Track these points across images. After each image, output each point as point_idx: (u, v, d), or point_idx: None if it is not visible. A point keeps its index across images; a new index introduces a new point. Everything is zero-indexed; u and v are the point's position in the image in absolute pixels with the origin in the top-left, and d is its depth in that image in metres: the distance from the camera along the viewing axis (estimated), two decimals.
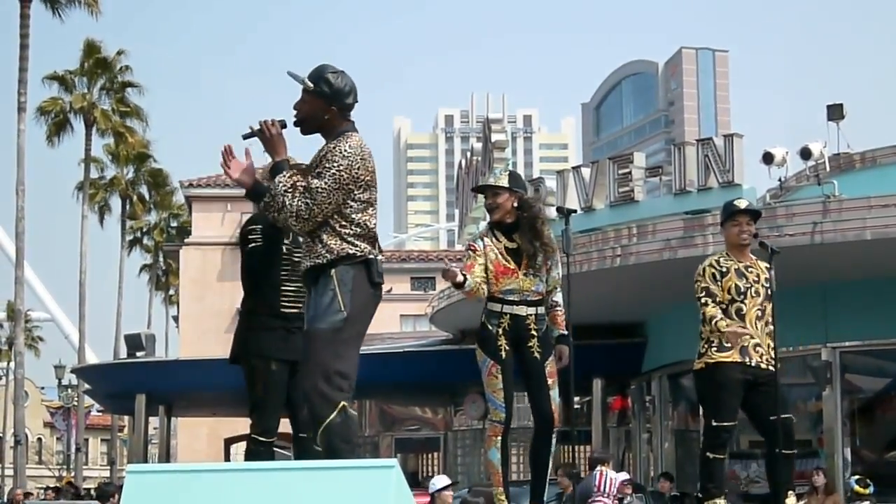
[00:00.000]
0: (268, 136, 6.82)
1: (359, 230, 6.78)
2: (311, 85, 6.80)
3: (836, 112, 22.72)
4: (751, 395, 9.07)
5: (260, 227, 8.27)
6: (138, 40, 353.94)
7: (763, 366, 9.08)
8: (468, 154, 36.02)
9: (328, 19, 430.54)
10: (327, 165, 6.68)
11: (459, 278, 8.46)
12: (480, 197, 34.32)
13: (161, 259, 65.65)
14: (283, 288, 8.26)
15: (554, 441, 8.75)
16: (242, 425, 45.05)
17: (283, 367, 8.18)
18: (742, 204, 9.45)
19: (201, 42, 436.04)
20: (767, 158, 21.93)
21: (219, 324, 47.61)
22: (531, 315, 8.70)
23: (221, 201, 49.59)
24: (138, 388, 30.83)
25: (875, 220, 18.50)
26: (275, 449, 8.45)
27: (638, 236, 20.75)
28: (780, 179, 22.53)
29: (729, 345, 9.06)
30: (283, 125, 6.88)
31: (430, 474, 32.86)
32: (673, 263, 19.73)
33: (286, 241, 8.27)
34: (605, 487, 14.04)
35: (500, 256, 8.80)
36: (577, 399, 27.35)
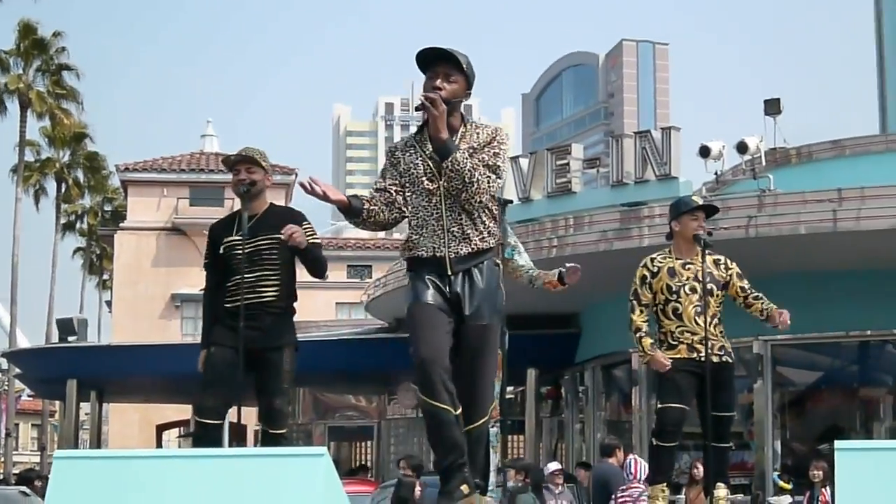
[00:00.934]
0: (438, 111, 6.54)
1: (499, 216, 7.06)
2: (464, 65, 6.67)
3: (772, 107, 22.85)
4: (701, 387, 9.13)
5: (209, 240, 8.45)
6: (76, 24, 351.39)
7: (714, 360, 9.14)
8: None
9: (268, 4, 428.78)
10: (503, 146, 6.69)
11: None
12: None
13: (95, 243, 65.16)
14: (227, 285, 8.32)
15: (493, 434, 8.87)
16: (175, 412, 45.05)
17: (224, 350, 8.16)
18: (700, 200, 9.59)
19: (139, 27, 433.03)
20: (704, 152, 22.06)
21: (152, 309, 47.37)
22: None
23: (157, 186, 49.31)
24: (70, 373, 30.55)
25: (809, 214, 18.63)
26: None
27: (575, 227, 20.80)
28: (716, 173, 22.67)
29: (675, 342, 9.16)
30: None
31: (362, 463, 32.86)
32: (609, 255, 19.79)
33: (230, 240, 8.32)
34: (640, 474, 14.07)
35: None
36: (510, 389, 27.42)
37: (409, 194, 6.75)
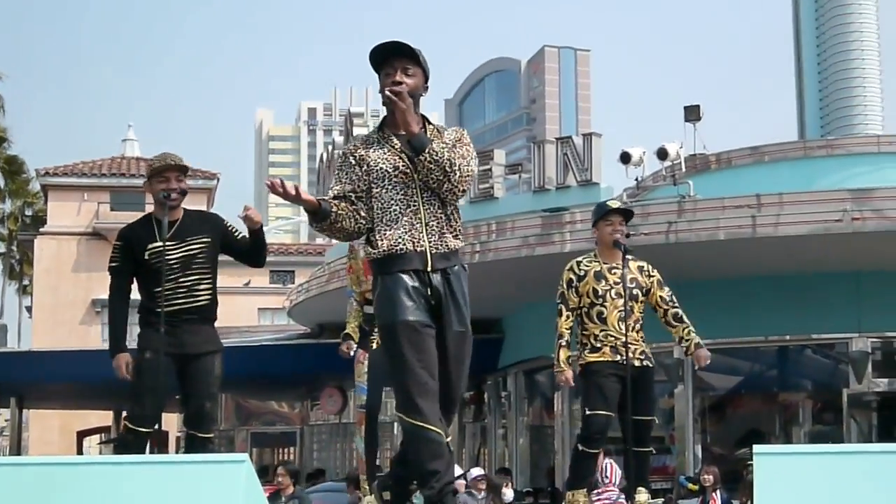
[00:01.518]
0: (406, 104, 6.27)
1: None
2: (422, 59, 6.41)
3: (692, 113, 23.00)
4: (623, 392, 9.20)
5: (121, 244, 8.35)
6: None
7: (636, 364, 9.21)
8: (330, 147, 35.95)
9: (190, 6, 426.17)
10: (470, 148, 6.46)
11: None
12: None
13: (15, 248, 64.46)
14: (156, 290, 8.25)
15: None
16: (96, 418, 44.61)
17: (159, 357, 8.13)
18: (615, 204, 9.63)
19: (59, 27, 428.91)
20: (625, 158, 22.16)
21: (73, 315, 46.93)
22: None
23: (78, 191, 48.84)
24: None
25: (728, 220, 18.79)
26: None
27: (497, 233, 20.85)
28: (636, 179, 22.78)
29: (599, 345, 9.23)
30: None
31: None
32: (531, 260, 19.87)
33: (156, 246, 8.27)
34: (615, 478, 14.14)
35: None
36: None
37: (377, 191, 6.40)
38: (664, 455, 21.58)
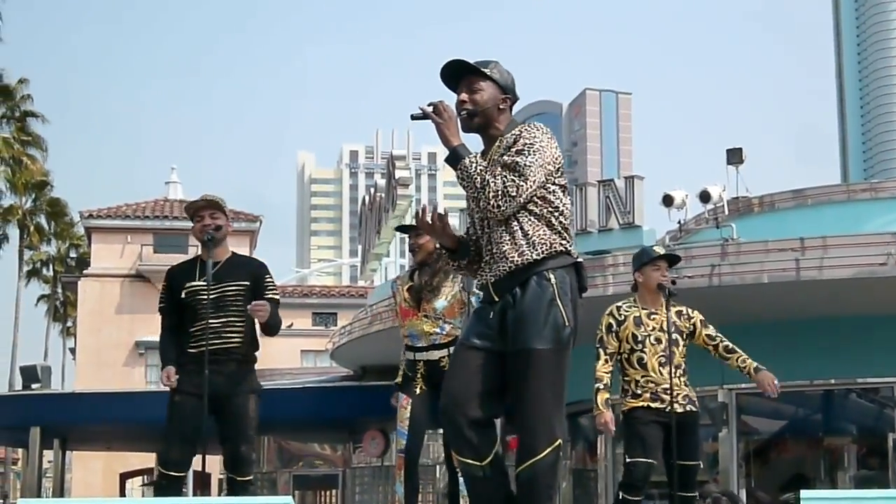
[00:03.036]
0: (442, 118, 5.82)
1: (563, 220, 5.93)
2: (489, 71, 6.00)
3: (735, 156, 22.96)
4: (666, 436, 9.17)
5: (166, 284, 8.46)
6: (39, 67, 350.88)
7: (679, 410, 9.18)
8: (372, 190, 36.05)
9: (231, 50, 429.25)
10: (528, 141, 5.82)
11: None
12: (384, 233, 34.28)
13: (60, 290, 64.88)
14: (191, 329, 8.29)
15: (462, 483, 8.79)
16: (138, 460, 44.76)
17: (188, 399, 8.16)
18: (661, 249, 9.64)
19: (103, 72, 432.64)
20: (667, 201, 22.13)
21: (116, 357, 47.16)
22: (444, 357, 8.76)
23: (121, 233, 49.16)
24: (33, 421, 30.35)
25: (772, 263, 18.72)
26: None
27: None
28: (679, 222, 22.73)
29: (640, 391, 9.21)
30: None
31: None
32: None
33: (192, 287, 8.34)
34: None
35: (402, 298, 8.89)
36: None
37: (473, 227, 6.11)
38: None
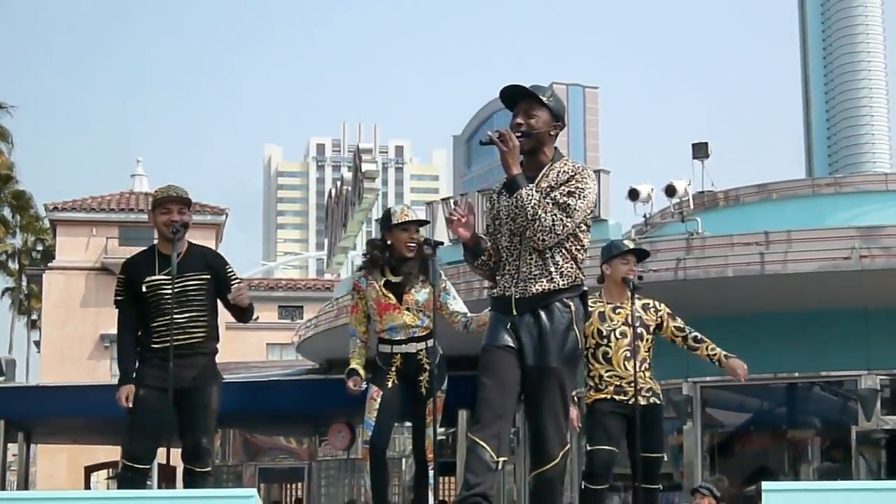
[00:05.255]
0: (507, 146, 6.48)
1: (584, 254, 6.68)
2: (546, 99, 6.62)
3: (700, 150, 23.04)
4: (630, 428, 9.21)
5: (124, 277, 8.39)
6: (2, 59, 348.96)
7: (643, 402, 9.22)
8: (338, 183, 35.98)
9: (197, 43, 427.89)
10: (580, 186, 6.53)
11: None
12: (350, 226, 34.14)
13: (24, 283, 64.58)
14: (152, 325, 8.26)
15: (430, 476, 8.84)
16: (103, 453, 44.57)
17: (153, 392, 8.14)
18: (631, 244, 9.68)
19: (67, 63, 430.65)
20: (633, 195, 22.19)
21: (81, 350, 46.97)
22: (422, 350, 8.77)
23: (86, 226, 48.94)
24: None
25: (737, 257, 18.81)
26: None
27: None
28: (645, 216, 22.80)
29: (604, 385, 9.25)
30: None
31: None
32: None
33: (153, 280, 8.28)
34: None
35: (379, 293, 8.87)
36: (441, 431, 27.42)
37: (498, 235, 6.70)
38: (674, 492, 21.52)
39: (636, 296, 9.41)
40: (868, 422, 20.46)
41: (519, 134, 6.53)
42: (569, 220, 6.43)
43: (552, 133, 6.63)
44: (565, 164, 6.62)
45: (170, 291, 8.19)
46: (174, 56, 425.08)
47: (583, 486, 9.28)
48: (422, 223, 8.98)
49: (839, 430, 21.36)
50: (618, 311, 9.37)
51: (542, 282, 6.50)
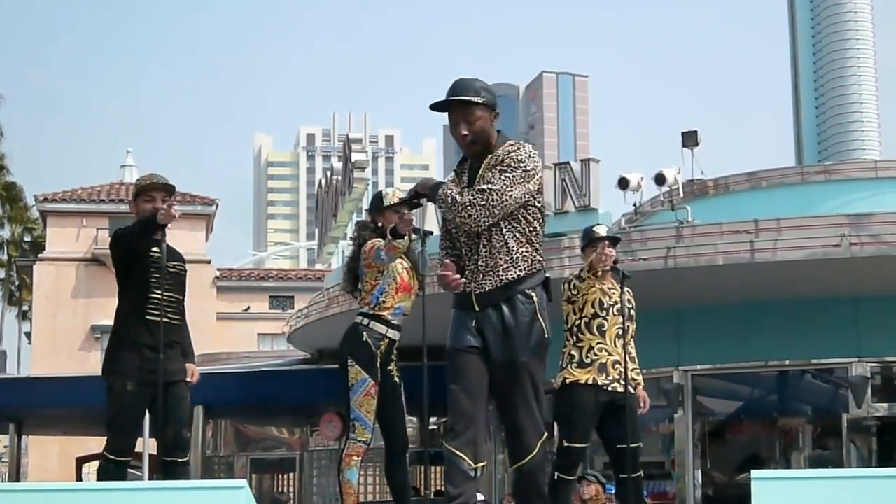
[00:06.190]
0: (425, 195, 6.57)
1: (540, 237, 6.55)
2: (480, 99, 6.43)
3: (690, 139, 23.01)
4: (606, 417, 9.23)
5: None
6: None
7: (619, 389, 9.24)
8: (328, 173, 35.96)
9: (187, 34, 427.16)
10: (513, 164, 6.33)
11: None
12: (341, 216, 34.10)
13: (15, 274, 64.48)
14: (151, 296, 8.23)
15: (407, 462, 8.86)
16: (95, 444, 44.49)
17: (141, 388, 8.14)
18: (602, 230, 9.65)
19: (58, 55, 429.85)
20: (623, 183, 22.17)
21: (72, 341, 46.91)
22: (397, 339, 8.74)
23: (77, 217, 48.86)
24: None
25: (726, 245, 18.83)
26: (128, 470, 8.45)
27: None
28: (634, 204, 22.78)
29: (589, 361, 9.23)
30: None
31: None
32: None
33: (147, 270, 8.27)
34: None
35: (407, 272, 8.72)
36: (432, 420, 27.43)
37: (458, 243, 6.65)
38: (665, 480, 21.56)
39: (614, 282, 9.47)
40: (859, 409, 20.51)
41: (468, 143, 6.47)
42: (493, 191, 6.24)
43: (493, 123, 6.50)
44: (503, 147, 6.45)
45: (165, 269, 8.20)
46: (164, 47, 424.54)
47: (556, 477, 9.26)
48: (414, 205, 8.79)
49: (830, 417, 21.41)
50: (610, 290, 9.42)
51: (499, 271, 6.39)
